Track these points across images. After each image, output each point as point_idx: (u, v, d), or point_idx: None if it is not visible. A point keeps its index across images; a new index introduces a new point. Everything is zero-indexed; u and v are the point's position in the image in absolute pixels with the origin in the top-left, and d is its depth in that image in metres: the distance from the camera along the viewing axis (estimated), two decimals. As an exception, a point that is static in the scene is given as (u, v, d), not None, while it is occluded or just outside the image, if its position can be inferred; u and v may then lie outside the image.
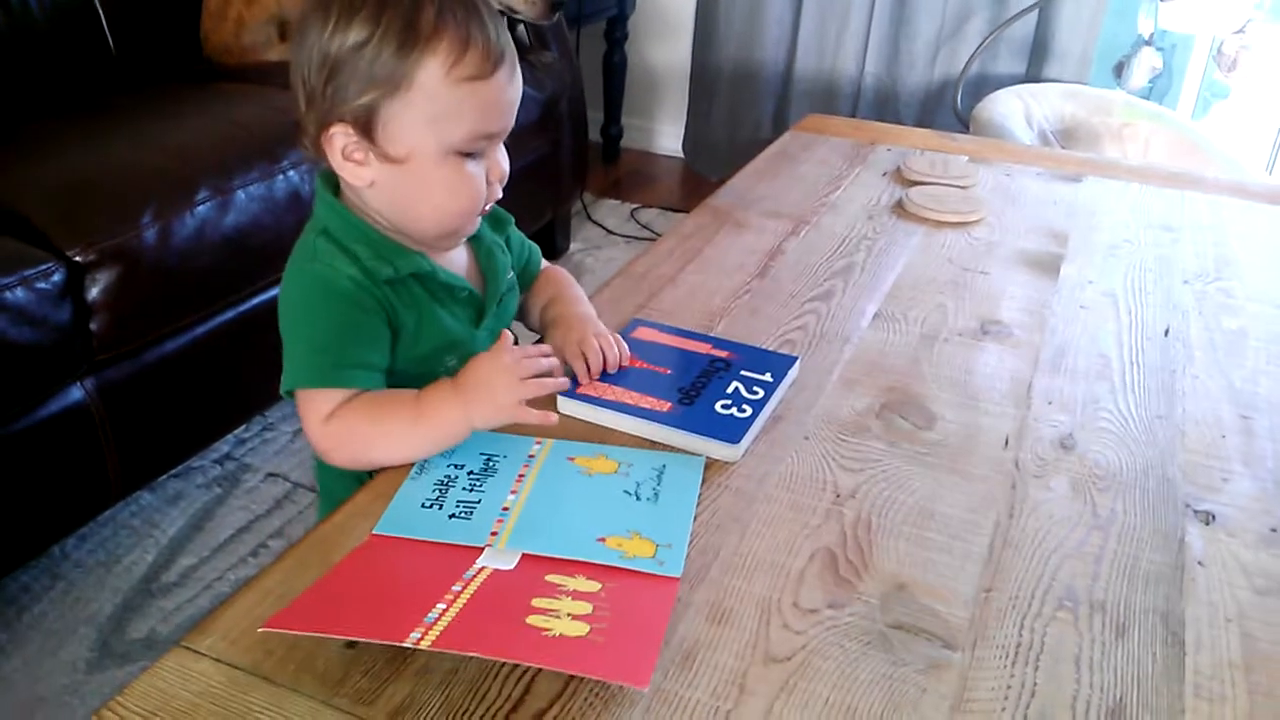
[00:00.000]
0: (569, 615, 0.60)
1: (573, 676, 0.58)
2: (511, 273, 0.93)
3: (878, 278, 1.13)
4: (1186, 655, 0.64)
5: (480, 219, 0.86)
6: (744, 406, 0.83)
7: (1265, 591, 0.70)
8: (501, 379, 0.76)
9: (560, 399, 0.84)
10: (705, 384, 0.86)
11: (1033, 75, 2.63)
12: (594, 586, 0.64)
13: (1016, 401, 0.90)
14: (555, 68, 2.29)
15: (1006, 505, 0.76)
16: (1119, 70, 2.43)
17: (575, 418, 0.83)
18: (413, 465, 0.76)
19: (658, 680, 0.59)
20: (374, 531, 0.69)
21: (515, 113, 0.81)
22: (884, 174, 1.45)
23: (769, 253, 1.18)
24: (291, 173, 1.61)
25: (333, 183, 0.83)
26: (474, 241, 0.90)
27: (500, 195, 0.84)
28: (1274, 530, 0.76)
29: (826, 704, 0.58)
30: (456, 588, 0.62)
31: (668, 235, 1.22)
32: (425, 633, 0.57)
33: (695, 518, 0.72)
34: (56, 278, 1.31)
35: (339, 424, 0.76)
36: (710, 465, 0.78)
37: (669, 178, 3.19)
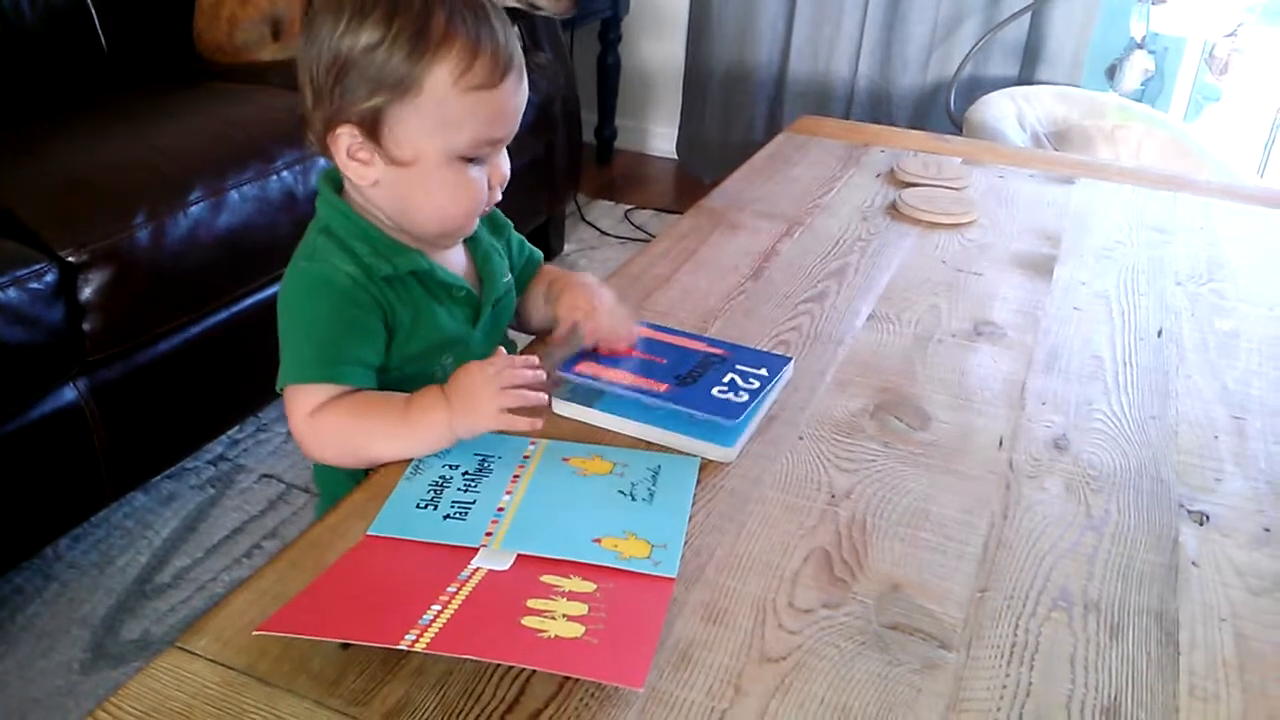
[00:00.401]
0: (564, 616, 0.60)
1: (568, 677, 0.58)
2: (508, 276, 0.93)
3: (871, 279, 1.13)
4: (1180, 655, 0.64)
5: (477, 220, 0.86)
6: (740, 392, 0.84)
7: (1259, 591, 0.70)
8: (485, 388, 0.76)
9: (555, 401, 0.84)
10: (702, 373, 0.87)
11: (1025, 78, 2.64)
12: (589, 587, 0.64)
13: (1010, 402, 0.91)
14: (549, 69, 2.29)
15: (1001, 506, 0.77)
16: (1111, 73, 2.44)
17: (571, 419, 0.84)
18: (407, 465, 0.76)
19: (653, 681, 0.59)
20: (368, 532, 0.69)
21: (520, 119, 0.81)
22: (877, 175, 1.45)
23: (763, 254, 1.18)
24: (285, 173, 1.61)
25: (334, 181, 0.84)
26: (471, 244, 0.90)
27: (500, 198, 0.85)
28: (1267, 530, 0.76)
29: (822, 704, 0.58)
30: (451, 589, 0.62)
31: (662, 236, 1.22)
32: (420, 634, 0.57)
33: (690, 518, 0.72)
34: (49, 278, 1.30)
35: (324, 419, 0.76)
36: (705, 466, 0.79)
37: (663, 179, 3.19)
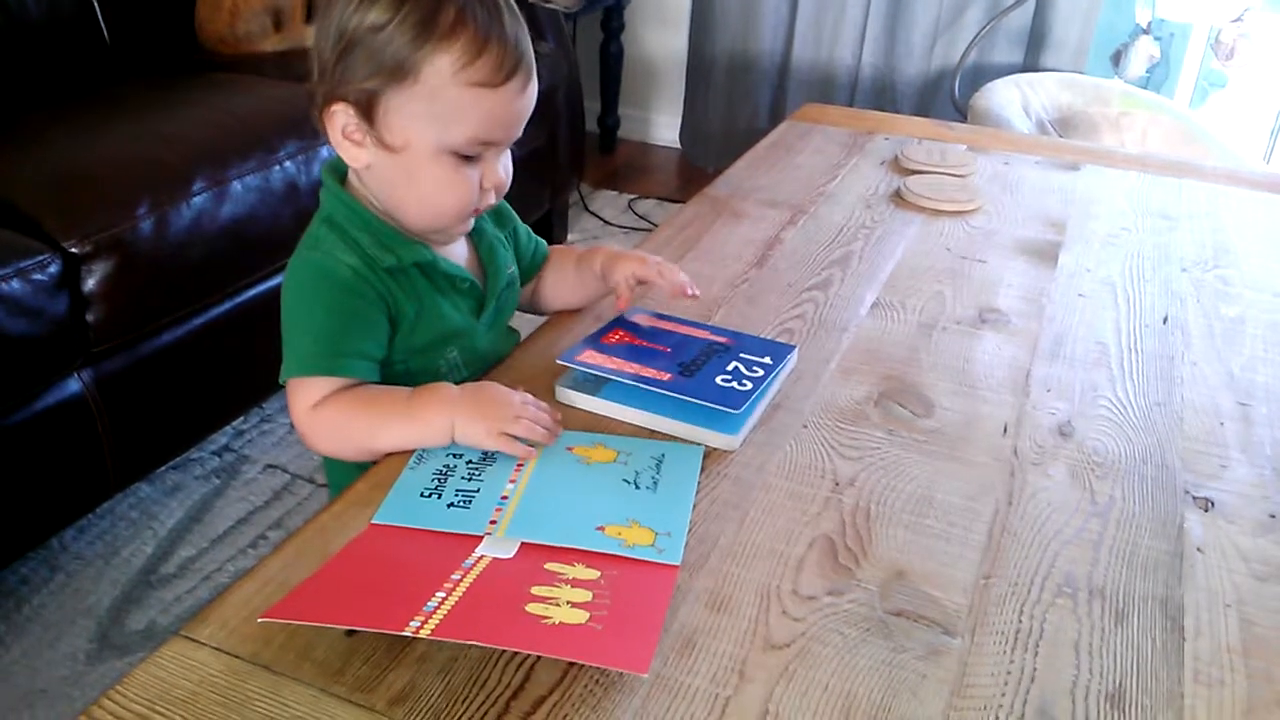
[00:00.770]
0: (568, 603, 0.60)
1: (572, 663, 0.58)
2: (513, 268, 0.93)
3: (876, 266, 1.13)
4: (1185, 641, 0.64)
5: (472, 221, 0.85)
6: (744, 381, 0.83)
7: (1264, 577, 0.70)
8: (499, 407, 0.75)
9: (559, 389, 0.84)
10: (705, 361, 0.87)
11: (1030, 64, 2.63)
12: (593, 574, 0.64)
13: (1015, 389, 0.90)
14: (552, 58, 2.29)
15: (1005, 492, 0.76)
16: (1116, 59, 2.43)
17: (575, 407, 0.83)
18: (411, 455, 0.76)
19: (657, 667, 0.59)
20: (373, 521, 0.69)
21: (523, 124, 0.80)
22: (881, 163, 1.44)
23: (767, 242, 1.18)
24: (288, 163, 1.61)
25: (338, 171, 0.84)
26: (475, 235, 0.89)
27: (494, 203, 0.83)
28: (1272, 516, 0.76)
29: (826, 690, 0.58)
30: (456, 576, 0.62)
31: (665, 225, 1.22)
32: (425, 621, 0.57)
33: (694, 506, 0.72)
34: (53, 269, 1.30)
35: (326, 412, 0.76)
36: (709, 454, 0.78)
37: (666, 168, 3.18)
